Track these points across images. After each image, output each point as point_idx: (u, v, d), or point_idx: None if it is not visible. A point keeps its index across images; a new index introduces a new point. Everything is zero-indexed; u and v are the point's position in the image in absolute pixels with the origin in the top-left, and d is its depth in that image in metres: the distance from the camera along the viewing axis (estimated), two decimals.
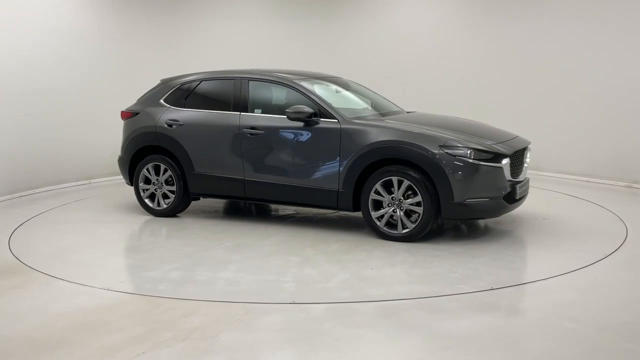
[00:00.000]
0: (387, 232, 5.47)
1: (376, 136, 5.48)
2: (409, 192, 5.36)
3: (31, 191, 7.99)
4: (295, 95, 5.99)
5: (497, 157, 5.32)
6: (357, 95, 6.68)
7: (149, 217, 6.60)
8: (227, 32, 10.11)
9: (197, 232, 5.98)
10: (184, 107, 6.52)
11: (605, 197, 7.47)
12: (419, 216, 5.33)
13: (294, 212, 6.76)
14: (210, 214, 6.76)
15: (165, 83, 6.85)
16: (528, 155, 5.97)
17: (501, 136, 5.79)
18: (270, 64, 7.84)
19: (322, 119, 5.75)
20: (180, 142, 6.39)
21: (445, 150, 5.23)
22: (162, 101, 6.68)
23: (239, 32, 10.16)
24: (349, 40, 10.41)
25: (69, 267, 4.91)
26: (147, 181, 6.64)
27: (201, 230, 6.04)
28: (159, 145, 6.54)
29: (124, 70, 9.10)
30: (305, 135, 5.79)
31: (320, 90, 6.15)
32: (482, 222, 6.14)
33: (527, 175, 6.00)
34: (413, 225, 5.35)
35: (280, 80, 6.15)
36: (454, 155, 5.21)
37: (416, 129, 5.48)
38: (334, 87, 6.63)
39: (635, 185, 8.14)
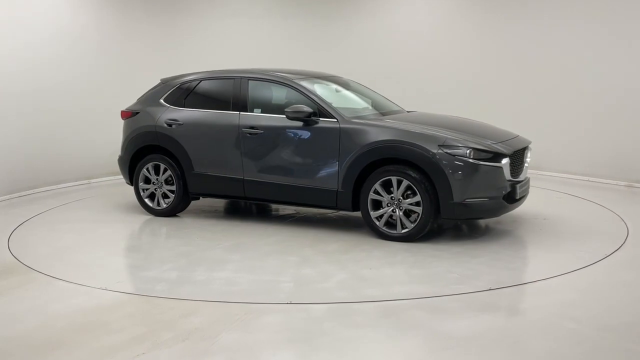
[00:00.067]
0: (386, 232, 5.45)
1: (375, 136, 5.46)
2: (408, 192, 5.34)
3: (30, 191, 7.98)
4: (294, 94, 5.98)
5: (497, 156, 5.30)
6: (357, 95, 6.67)
7: (149, 216, 6.59)
8: (227, 32, 10.10)
9: (197, 232, 5.97)
10: (184, 107, 6.51)
11: (605, 196, 7.45)
12: (418, 216, 5.32)
13: (294, 212, 6.75)
14: (210, 214, 6.75)
15: (165, 82, 6.84)
16: (529, 154, 5.95)
17: (501, 136, 5.77)
18: (270, 64, 7.83)
19: (321, 119, 5.73)
20: (179, 141, 6.38)
21: (445, 150, 5.22)
22: (162, 101, 6.67)
23: (239, 32, 10.16)
24: (349, 40, 10.40)
25: (69, 267, 4.90)
26: (147, 181, 6.63)
27: (200, 230, 6.03)
28: (159, 145, 6.53)
29: (124, 69, 9.09)
30: (305, 135, 5.78)
31: (319, 89, 6.14)
32: (482, 222, 6.12)
33: (528, 175, 5.98)
34: (412, 225, 5.34)
35: (280, 80, 6.14)
36: (454, 155, 5.19)
37: (415, 128, 5.47)
38: (334, 86, 6.63)
39: (635, 184, 8.12)
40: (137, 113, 6.76)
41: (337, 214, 6.54)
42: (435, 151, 5.22)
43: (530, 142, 6.05)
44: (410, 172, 5.28)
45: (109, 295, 4.24)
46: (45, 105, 8.09)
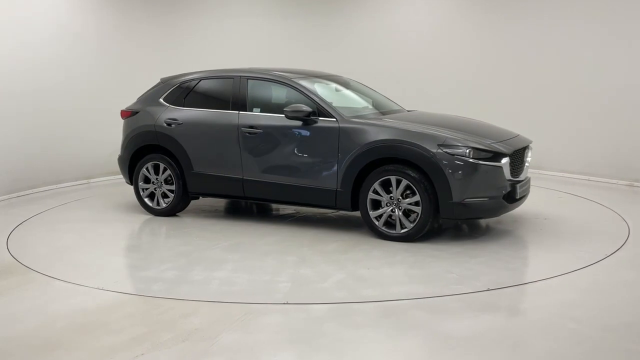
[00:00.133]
0: (386, 232, 5.43)
1: (374, 135, 5.44)
2: (408, 192, 5.32)
3: (30, 191, 7.97)
4: (293, 94, 5.96)
5: (497, 156, 5.28)
6: (357, 94, 6.65)
7: (149, 216, 6.58)
8: (227, 32, 10.09)
9: (196, 232, 5.96)
10: (184, 106, 6.50)
11: (606, 195, 7.43)
12: (417, 216, 5.30)
13: (294, 212, 6.74)
14: (210, 213, 6.74)
15: (164, 82, 6.83)
16: (529, 154, 5.92)
17: (501, 135, 5.75)
18: (270, 63, 7.82)
19: (320, 118, 5.72)
20: (179, 141, 6.37)
21: (444, 150, 5.19)
22: (161, 100, 6.66)
23: (239, 32, 10.15)
24: (349, 40, 10.39)
25: (68, 267, 4.89)
26: (147, 180, 6.62)
27: (200, 230, 6.02)
28: (159, 145, 6.52)
29: (124, 69, 9.08)
30: (304, 134, 5.76)
31: (319, 89, 6.13)
32: (483, 222, 6.10)
33: (529, 175, 5.96)
34: (411, 225, 5.32)
35: (279, 79, 6.13)
36: (453, 155, 5.17)
37: (415, 127, 5.45)
38: (334, 85, 6.61)
39: (636, 183, 8.10)
40: (137, 112, 6.76)
41: (337, 213, 6.52)
42: (434, 151, 5.19)
43: (530, 142, 6.02)
44: (410, 172, 5.26)
45: (109, 296, 4.23)
46: (45, 105, 8.08)
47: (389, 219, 5.43)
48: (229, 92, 6.29)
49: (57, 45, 8.24)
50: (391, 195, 5.36)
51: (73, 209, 7.09)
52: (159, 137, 6.49)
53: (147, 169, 6.59)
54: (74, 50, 8.48)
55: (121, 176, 7.12)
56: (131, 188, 6.86)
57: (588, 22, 8.51)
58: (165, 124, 6.46)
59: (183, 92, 6.59)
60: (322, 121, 5.70)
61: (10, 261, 5.08)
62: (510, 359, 3.25)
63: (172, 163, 6.44)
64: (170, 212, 6.55)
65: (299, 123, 5.76)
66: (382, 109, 6.38)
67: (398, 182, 5.31)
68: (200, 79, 6.58)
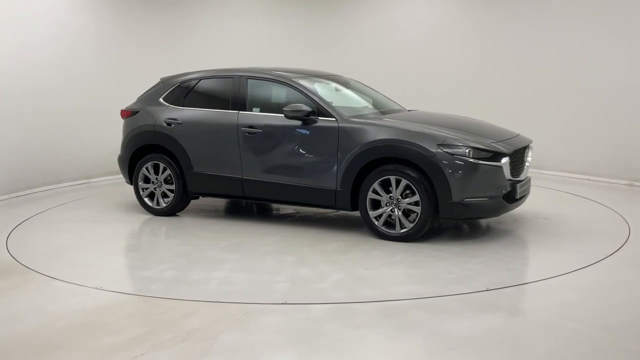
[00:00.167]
0: (385, 232, 5.42)
1: (374, 135, 5.43)
2: (407, 192, 5.30)
3: (29, 191, 7.95)
4: (293, 93, 5.95)
5: (497, 155, 5.26)
6: (357, 94, 6.64)
7: (148, 216, 6.57)
8: (227, 31, 10.08)
9: (196, 232, 5.95)
10: (183, 106, 6.49)
11: (607, 195, 7.41)
12: (417, 216, 5.28)
13: (294, 212, 6.73)
14: (210, 213, 6.73)
15: (164, 82, 6.83)
16: (529, 154, 5.90)
17: (502, 135, 5.73)
18: (271, 63, 7.80)
19: (320, 118, 5.70)
20: (179, 140, 6.36)
21: (444, 149, 5.18)
22: (161, 100, 6.65)
23: (239, 31, 10.13)
24: (349, 39, 10.37)
25: (67, 267, 4.88)
26: (147, 180, 6.61)
27: (199, 230, 6.01)
28: (158, 144, 6.51)
29: (124, 69, 9.07)
30: (303, 134, 5.75)
31: (319, 88, 6.11)
32: (483, 222, 6.08)
33: (529, 174, 5.94)
34: (411, 225, 5.30)
35: (278, 79, 6.11)
36: (453, 154, 5.15)
37: (414, 127, 5.43)
38: (334, 85, 6.60)
39: (636, 183, 8.08)
40: (137, 112, 6.75)
41: (337, 213, 6.51)
42: (434, 150, 5.18)
43: (531, 141, 6.00)
44: (409, 172, 5.24)
45: (108, 296, 4.22)
46: (45, 105, 8.07)
47: (388, 218, 5.41)
48: (228, 91, 6.28)
49: (57, 45, 8.23)
50: (391, 195, 5.34)
51: (73, 209, 7.08)
52: (158, 136, 6.48)
53: (147, 168, 6.58)
54: (74, 50, 8.47)
55: (121, 176, 7.11)
56: (131, 188, 6.85)
57: (588, 22, 8.50)
58: (165, 124, 6.45)
59: (183, 91, 6.58)
60: (322, 121, 5.69)
61: (9, 261, 5.07)
62: (510, 359, 3.23)
63: (172, 163, 6.43)
64: (170, 211, 6.54)
65: (299, 123, 5.75)
66: (382, 109, 6.36)
67: (397, 182, 5.30)
68: (200, 79, 6.57)
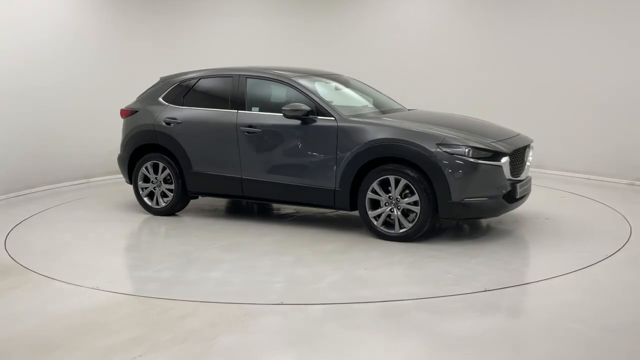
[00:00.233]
0: (384, 232, 5.39)
1: (373, 134, 5.40)
2: (407, 191, 5.27)
3: (29, 190, 7.94)
4: (292, 92, 5.93)
5: (497, 155, 5.22)
6: (357, 93, 6.62)
7: (148, 215, 6.56)
8: (227, 31, 10.05)
9: (195, 231, 5.94)
10: (182, 105, 6.47)
11: (607, 194, 7.37)
12: (416, 216, 5.25)
13: (294, 211, 6.70)
14: (210, 213, 6.71)
15: (164, 81, 6.81)
16: (530, 153, 5.86)
17: (502, 134, 5.69)
18: (271, 62, 7.77)
19: (319, 117, 5.68)
20: (178, 140, 6.34)
21: (443, 149, 5.14)
22: (160, 99, 6.64)
23: (240, 30, 10.11)
24: (349, 38, 10.34)
25: (66, 268, 4.86)
26: (146, 180, 6.60)
27: (198, 229, 6.00)
28: (158, 144, 6.49)
29: (124, 68, 9.06)
30: (302, 133, 5.72)
31: (318, 87, 6.09)
32: (484, 222, 6.05)
33: (530, 174, 5.90)
34: (410, 225, 5.27)
35: (277, 78, 6.09)
36: (452, 154, 5.12)
37: (413, 126, 5.40)
38: (334, 84, 6.57)
39: (637, 182, 8.05)
40: (136, 111, 6.73)
41: (337, 213, 6.48)
42: (433, 150, 5.14)
43: (531, 141, 5.96)
44: (408, 171, 5.21)
45: (107, 296, 4.21)
46: (45, 105, 8.06)
47: (387, 218, 5.38)
48: (227, 91, 6.26)
49: (57, 44, 8.22)
50: (390, 194, 5.31)
51: (72, 209, 7.06)
52: (158, 136, 6.47)
53: (146, 168, 6.57)
54: (74, 50, 8.46)
55: (120, 175, 7.11)
56: (130, 187, 6.84)
57: (588, 22, 8.47)
58: (164, 123, 6.43)
59: (182, 91, 6.56)
60: (321, 120, 5.66)
61: (8, 261, 5.06)
62: None
63: (171, 162, 6.42)
64: (170, 211, 6.52)
65: (298, 122, 5.72)
66: (382, 108, 6.34)
67: (397, 182, 5.27)
68: (199, 78, 6.55)
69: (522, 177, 5.60)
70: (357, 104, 6.33)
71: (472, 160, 5.11)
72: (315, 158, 5.67)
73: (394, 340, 3.48)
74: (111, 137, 7.77)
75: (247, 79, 6.20)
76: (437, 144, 5.16)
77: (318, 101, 5.74)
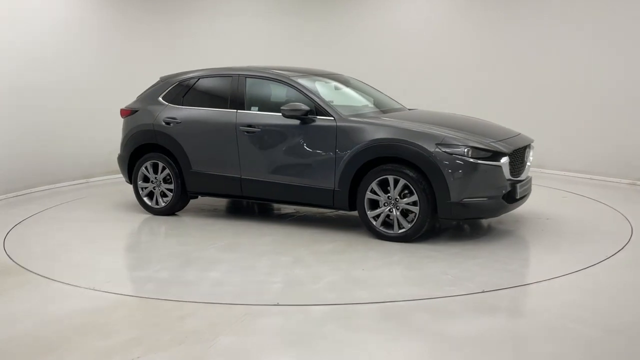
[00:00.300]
0: (383, 232, 5.36)
1: (372, 134, 5.37)
2: (406, 192, 5.25)
3: (28, 190, 7.93)
4: (291, 92, 5.91)
5: (496, 155, 5.19)
6: (357, 92, 6.60)
7: (148, 215, 6.55)
8: (227, 30, 10.04)
9: (194, 231, 5.92)
10: (182, 105, 6.46)
11: (608, 194, 7.34)
12: (415, 216, 5.23)
13: (294, 211, 6.68)
14: (210, 213, 6.70)
15: (164, 80, 6.80)
16: (531, 153, 5.83)
17: (502, 134, 5.66)
18: (271, 62, 7.76)
19: (318, 117, 5.65)
20: (177, 140, 6.33)
21: (442, 149, 5.11)
22: (160, 99, 6.63)
23: (240, 30, 10.10)
24: (349, 38, 10.32)
25: (65, 268, 4.84)
26: (146, 179, 6.59)
27: (198, 229, 5.99)
28: (157, 144, 6.48)
29: (124, 68, 9.05)
30: (301, 133, 5.70)
31: (318, 87, 6.07)
32: (484, 222, 6.02)
33: (530, 174, 5.86)
34: (409, 225, 5.24)
35: (276, 77, 6.07)
36: (451, 154, 5.09)
37: (412, 126, 5.37)
38: (334, 84, 6.55)
39: (638, 182, 8.01)
40: (136, 111, 6.72)
41: (336, 213, 6.46)
42: (432, 150, 5.12)
43: (532, 141, 5.92)
44: (408, 171, 5.18)
45: (105, 297, 4.19)
46: (44, 104, 8.06)
47: (386, 219, 5.36)
48: (227, 90, 6.25)
49: (56, 44, 8.22)
50: (389, 195, 5.29)
51: (72, 209, 7.05)
52: (157, 136, 6.46)
53: (146, 167, 6.56)
54: (74, 49, 8.46)
55: (120, 175, 7.10)
56: (130, 187, 6.84)
57: (588, 21, 8.45)
58: (163, 123, 6.42)
59: (182, 90, 6.55)
60: (320, 120, 5.64)
61: (7, 262, 5.04)
62: None
63: (171, 162, 6.41)
64: (169, 211, 6.51)
65: (297, 122, 5.70)
66: (382, 108, 6.31)
67: (396, 182, 5.24)
68: (199, 78, 6.54)
69: (522, 177, 5.56)
70: (357, 104, 6.31)
71: (471, 160, 5.08)
72: (314, 158, 5.65)
73: (395, 341, 3.46)
74: (111, 137, 7.76)
75: (247, 79, 6.18)
76: (436, 144, 5.14)
77: (317, 101, 5.72)
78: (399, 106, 6.65)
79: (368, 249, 5.20)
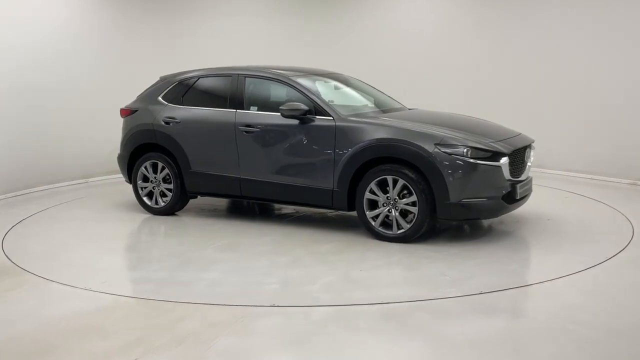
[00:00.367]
0: (382, 233, 5.34)
1: (371, 134, 5.35)
2: (405, 192, 5.22)
3: (28, 190, 7.92)
4: (290, 92, 5.89)
5: (496, 155, 5.16)
6: (357, 92, 6.58)
7: (147, 215, 6.54)
8: (227, 30, 10.02)
9: (193, 231, 5.92)
10: (182, 105, 6.45)
11: (609, 194, 7.30)
12: (414, 216, 5.20)
13: (293, 211, 6.67)
14: (210, 213, 6.69)
15: (164, 80, 6.79)
16: (531, 154, 5.79)
17: (502, 134, 5.63)
18: (271, 61, 7.74)
19: (317, 117, 5.63)
20: (177, 139, 6.31)
21: (441, 149, 5.09)
22: (160, 98, 6.62)
23: (240, 30, 10.08)
24: (349, 38, 10.30)
25: (64, 269, 4.83)
26: (146, 179, 6.58)
27: (197, 229, 5.98)
28: (157, 143, 6.47)
29: (124, 68, 9.04)
30: (300, 133, 5.68)
31: (318, 87, 6.05)
32: (485, 223, 5.99)
33: (531, 174, 5.83)
34: (408, 226, 5.22)
35: (275, 77, 6.05)
36: (450, 154, 5.06)
37: (411, 126, 5.35)
38: (333, 83, 6.53)
39: (639, 182, 7.97)
40: (136, 111, 6.72)
41: (336, 213, 6.44)
42: (431, 150, 5.09)
43: (532, 141, 5.88)
44: (407, 172, 5.16)
45: (104, 298, 4.18)
46: (44, 105, 8.05)
47: (385, 219, 5.34)
48: (226, 90, 6.23)
49: (56, 44, 8.21)
50: (388, 195, 5.27)
51: (71, 209, 7.04)
52: (157, 135, 6.45)
53: (145, 167, 6.55)
54: (74, 49, 8.44)
55: (120, 175, 7.10)
56: (130, 187, 6.83)
57: (588, 21, 8.42)
58: (163, 123, 6.41)
59: (181, 90, 6.54)
60: (319, 120, 5.61)
61: (5, 262, 5.03)
62: None
63: (170, 162, 6.40)
64: (169, 211, 6.50)
65: (296, 122, 5.68)
66: (382, 107, 6.29)
67: (395, 182, 5.22)
68: (199, 77, 6.52)
69: (523, 177, 5.53)
70: (357, 103, 6.29)
71: (470, 160, 5.06)
72: (313, 158, 5.63)
73: (394, 342, 3.44)
74: (111, 137, 7.76)
75: (246, 78, 6.17)
76: (435, 144, 5.11)
77: (316, 100, 5.70)
78: (399, 106, 6.63)
79: (367, 249, 5.18)
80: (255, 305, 3.98)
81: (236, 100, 6.12)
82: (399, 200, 5.23)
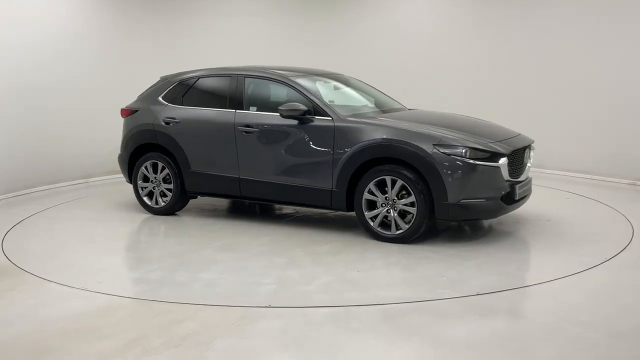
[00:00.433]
0: (381, 233, 5.34)
1: (370, 134, 5.34)
2: (403, 192, 5.22)
3: (28, 190, 7.93)
4: (289, 92, 5.89)
5: (494, 156, 5.15)
6: (357, 92, 6.58)
7: (147, 215, 6.55)
8: (227, 30, 10.02)
9: (193, 231, 5.92)
10: (182, 105, 6.46)
11: (609, 195, 7.30)
12: (412, 217, 5.20)
13: (293, 211, 6.67)
14: (210, 213, 6.69)
15: (164, 80, 6.80)
16: (531, 154, 5.79)
17: (501, 134, 5.62)
18: (271, 61, 7.74)
19: (316, 117, 5.63)
20: (177, 139, 6.32)
21: (440, 149, 5.08)
22: (160, 99, 6.62)
23: (240, 30, 10.08)
24: (349, 38, 10.30)
25: (63, 269, 4.83)
26: (146, 179, 6.59)
27: (197, 229, 5.98)
28: (157, 143, 6.47)
29: (124, 68, 9.04)
30: (299, 133, 5.68)
31: (317, 87, 6.05)
32: (484, 223, 5.98)
33: (530, 175, 5.82)
34: (407, 226, 5.21)
35: (275, 77, 6.05)
36: (449, 154, 5.06)
37: (410, 126, 5.35)
38: (333, 83, 6.53)
39: (638, 182, 7.96)
40: (137, 111, 6.72)
41: (336, 213, 6.44)
42: (430, 150, 5.09)
43: (532, 141, 5.87)
44: (405, 172, 5.16)
45: (102, 298, 4.18)
46: (44, 105, 8.06)
47: (384, 219, 5.33)
48: (226, 90, 6.24)
49: (57, 44, 8.21)
50: (386, 195, 5.26)
51: (71, 209, 7.05)
52: (157, 135, 6.45)
53: (145, 167, 6.56)
54: (74, 49, 8.45)
55: (120, 175, 7.11)
56: (130, 187, 6.83)
57: (589, 21, 8.41)
58: (163, 123, 6.42)
59: (181, 90, 6.55)
60: (318, 120, 5.61)
61: (4, 262, 5.04)
62: None
63: (170, 162, 6.40)
64: (169, 211, 6.51)
65: (295, 122, 5.68)
66: (382, 107, 6.29)
67: (393, 183, 5.22)
68: (199, 77, 6.53)
69: (522, 178, 5.52)
70: (357, 104, 6.29)
71: (469, 161, 5.05)
72: (312, 158, 5.63)
73: (392, 343, 3.44)
74: (111, 137, 7.76)
75: (245, 79, 6.17)
76: (433, 145, 5.11)
77: (315, 101, 5.70)
78: (399, 106, 6.62)
79: (365, 249, 5.18)
80: (253, 306, 3.98)
81: (236, 101, 6.12)
82: (398, 201, 5.22)
